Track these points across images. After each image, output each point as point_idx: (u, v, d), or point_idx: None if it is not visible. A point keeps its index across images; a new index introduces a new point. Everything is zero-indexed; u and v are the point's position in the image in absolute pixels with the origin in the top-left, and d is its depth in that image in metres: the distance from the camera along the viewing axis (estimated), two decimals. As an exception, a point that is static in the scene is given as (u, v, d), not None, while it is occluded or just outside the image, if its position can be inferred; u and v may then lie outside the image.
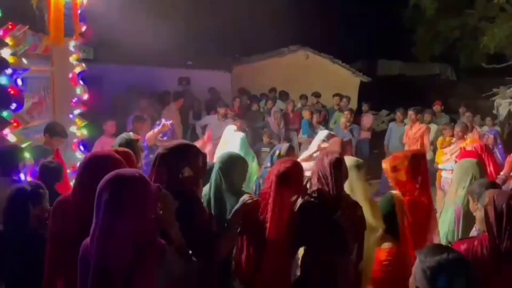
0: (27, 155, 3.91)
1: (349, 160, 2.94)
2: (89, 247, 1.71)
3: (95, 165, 2.16)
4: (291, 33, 13.28)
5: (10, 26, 3.81)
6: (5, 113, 3.80)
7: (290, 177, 2.41)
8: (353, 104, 10.92)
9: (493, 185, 2.90)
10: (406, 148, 7.52)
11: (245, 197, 2.41)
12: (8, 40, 3.81)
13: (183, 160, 2.42)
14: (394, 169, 3.10)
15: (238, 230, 2.37)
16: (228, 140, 4.96)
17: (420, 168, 3.08)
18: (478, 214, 2.32)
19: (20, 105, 3.91)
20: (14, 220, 2.63)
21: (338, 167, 2.62)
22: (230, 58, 12.51)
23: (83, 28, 5.49)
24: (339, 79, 11.87)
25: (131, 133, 4.50)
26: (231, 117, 7.75)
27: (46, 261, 2.20)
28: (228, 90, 10.64)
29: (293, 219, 2.46)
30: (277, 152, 4.35)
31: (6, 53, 3.81)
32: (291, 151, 4.42)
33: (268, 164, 4.35)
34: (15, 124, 3.89)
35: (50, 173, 3.53)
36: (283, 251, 2.43)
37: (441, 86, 17.35)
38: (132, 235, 1.68)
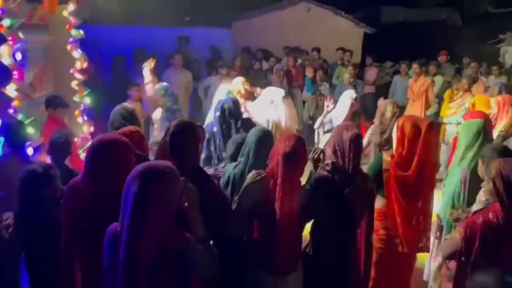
0: (32, 130, 3.93)
1: None
2: (118, 235, 1.75)
3: (104, 151, 2.17)
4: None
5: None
6: (7, 89, 3.78)
7: (297, 155, 2.39)
8: (357, 57, 10.71)
9: (506, 150, 2.88)
10: (411, 102, 7.47)
11: (253, 174, 2.41)
12: (3, 13, 3.71)
13: (192, 137, 2.45)
14: (397, 128, 3.07)
15: (248, 209, 2.39)
16: (278, 103, 4.80)
17: (418, 139, 2.98)
18: (487, 186, 2.35)
19: (21, 80, 3.88)
20: (28, 202, 2.68)
21: (357, 143, 2.61)
22: (230, 13, 12.15)
23: (78, -7, 5.32)
24: (342, 32, 11.55)
25: (126, 104, 4.48)
26: (233, 77, 7.63)
27: (62, 244, 2.26)
28: (229, 48, 10.42)
29: (303, 193, 2.48)
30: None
31: (2, 26, 3.73)
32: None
33: None
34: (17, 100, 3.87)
35: (60, 149, 3.55)
36: (295, 230, 2.47)
37: (446, 32, 16.88)
38: (157, 228, 1.71)
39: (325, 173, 2.58)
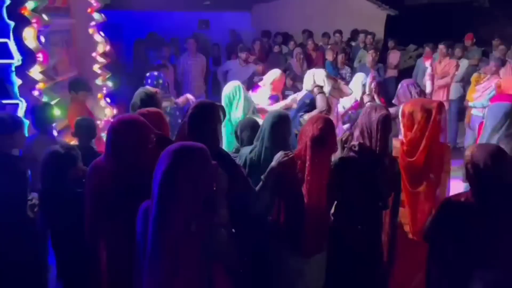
0: (57, 112, 4.00)
1: None
2: (149, 211, 1.77)
3: (122, 129, 2.21)
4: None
5: (27, -18, 3.74)
6: (32, 72, 3.85)
7: (326, 138, 2.37)
8: (379, 40, 10.50)
9: None
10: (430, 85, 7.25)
11: (280, 154, 2.41)
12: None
13: (214, 117, 2.45)
14: (403, 114, 2.96)
15: (273, 189, 2.39)
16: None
17: (427, 123, 2.86)
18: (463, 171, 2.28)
19: (46, 63, 3.94)
20: (51, 182, 2.74)
21: (386, 124, 2.57)
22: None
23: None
24: (364, 14, 11.30)
25: (147, 87, 4.50)
26: (252, 61, 7.59)
27: (86, 221, 2.31)
28: (249, 31, 10.34)
29: (331, 175, 2.47)
30: (307, 101, 4.28)
31: (26, 8, 3.78)
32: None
33: (302, 113, 4.24)
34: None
35: (85, 131, 3.62)
36: (323, 212, 2.46)
37: (472, 14, 16.34)
38: (185, 207, 1.71)
39: (352, 154, 2.56)
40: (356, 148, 2.54)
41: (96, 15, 5.46)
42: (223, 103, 3.89)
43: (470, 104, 6.23)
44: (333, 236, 2.62)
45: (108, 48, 5.64)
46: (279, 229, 2.49)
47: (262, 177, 2.45)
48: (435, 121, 2.84)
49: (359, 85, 5.03)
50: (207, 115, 2.45)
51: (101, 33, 5.56)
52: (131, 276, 1.86)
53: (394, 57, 8.95)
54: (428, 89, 6.90)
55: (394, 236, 2.80)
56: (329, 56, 7.93)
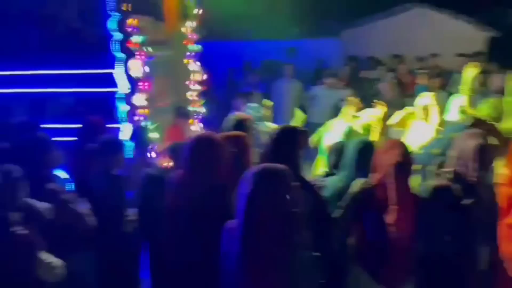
0: (156, 135, 4.34)
1: None
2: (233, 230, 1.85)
3: (198, 145, 2.33)
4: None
5: (136, 19, 4.18)
6: (136, 99, 4.24)
7: (409, 164, 2.29)
8: (479, 63, 9.80)
9: None
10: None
11: (360, 182, 2.35)
12: (134, 31, 4.19)
13: (296, 142, 2.47)
14: None
15: (354, 218, 2.34)
16: None
17: None
18: None
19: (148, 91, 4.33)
20: (147, 200, 2.97)
21: (483, 153, 2.42)
22: (338, 23, 12.05)
23: (198, 11, 5.76)
24: (462, 36, 10.67)
25: (239, 112, 4.67)
26: (340, 87, 7.54)
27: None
28: (337, 57, 10.33)
29: (420, 203, 2.34)
30: None
31: (133, 42, 4.20)
32: None
33: None
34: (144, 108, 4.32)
35: (179, 154, 3.85)
36: (408, 242, 2.33)
37: None
38: (269, 227, 1.75)
39: (445, 181, 2.42)
40: (451, 176, 2.38)
41: (192, 47, 5.87)
42: None
43: None
44: (420, 268, 2.45)
45: (202, 76, 6.01)
46: (360, 256, 2.41)
47: (343, 203, 2.40)
48: None
49: (455, 108, 4.74)
50: (289, 140, 2.48)
51: (197, 62, 5.95)
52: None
53: (496, 81, 8.29)
54: None
55: (492, 272, 2.54)
56: (422, 80, 7.60)
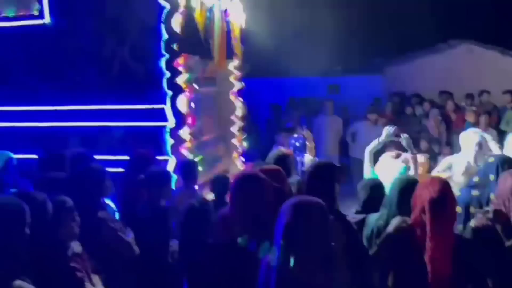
0: (200, 168, 4.47)
1: None
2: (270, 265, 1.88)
3: (241, 183, 2.37)
4: (449, 26, 12.11)
5: (184, 57, 4.43)
6: (182, 132, 4.43)
7: (446, 201, 2.18)
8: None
9: None
10: None
11: (397, 220, 2.31)
12: (183, 69, 4.43)
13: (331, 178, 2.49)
14: None
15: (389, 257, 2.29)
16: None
17: None
18: None
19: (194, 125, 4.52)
20: (189, 232, 3.05)
21: None
22: (382, 60, 12.06)
23: (242, 49, 6.01)
24: (510, 72, 10.36)
25: (282, 148, 4.74)
26: (382, 123, 7.49)
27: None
28: (380, 94, 10.29)
29: (460, 244, 2.26)
30: None
31: (181, 80, 4.44)
32: None
33: None
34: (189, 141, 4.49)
35: (220, 187, 3.95)
36: (448, 282, 2.24)
37: None
38: (304, 263, 1.77)
39: (485, 221, 2.33)
40: (491, 215, 2.29)
41: (237, 83, 6.09)
42: None
43: None
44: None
45: (244, 111, 6.18)
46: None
47: (378, 242, 2.37)
48: None
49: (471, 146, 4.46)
50: (325, 175, 2.50)
51: (240, 98, 6.14)
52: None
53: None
54: None
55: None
56: (470, 118, 7.40)
